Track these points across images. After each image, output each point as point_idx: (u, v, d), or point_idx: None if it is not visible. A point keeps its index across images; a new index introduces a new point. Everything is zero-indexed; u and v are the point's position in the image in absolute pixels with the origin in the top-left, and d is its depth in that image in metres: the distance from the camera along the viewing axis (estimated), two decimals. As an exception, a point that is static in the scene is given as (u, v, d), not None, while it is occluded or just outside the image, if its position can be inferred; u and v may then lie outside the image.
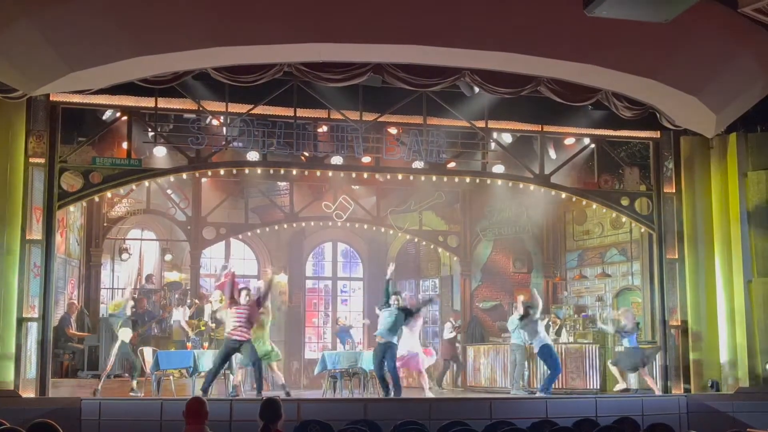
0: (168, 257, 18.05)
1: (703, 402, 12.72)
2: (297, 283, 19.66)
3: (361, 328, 20.26)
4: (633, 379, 14.69)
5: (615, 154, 14.82)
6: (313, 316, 20.30)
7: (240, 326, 11.91)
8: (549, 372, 13.74)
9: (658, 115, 12.85)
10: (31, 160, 11.89)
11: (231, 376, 13.58)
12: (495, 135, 14.24)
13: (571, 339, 16.24)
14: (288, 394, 12.64)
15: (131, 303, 13.75)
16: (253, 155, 13.19)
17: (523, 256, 18.93)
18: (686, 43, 10.70)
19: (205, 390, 11.98)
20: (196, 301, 16.38)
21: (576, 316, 17.14)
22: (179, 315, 15.56)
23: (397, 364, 12.83)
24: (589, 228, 17.98)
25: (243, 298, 12.04)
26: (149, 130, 13.03)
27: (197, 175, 15.60)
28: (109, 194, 15.12)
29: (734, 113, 12.28)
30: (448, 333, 17.13)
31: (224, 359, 12.17)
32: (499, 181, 14.53)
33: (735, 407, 12.46)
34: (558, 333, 16.06)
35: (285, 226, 18.33)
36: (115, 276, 17.95)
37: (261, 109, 12.91)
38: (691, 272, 13.96)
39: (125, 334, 13.20)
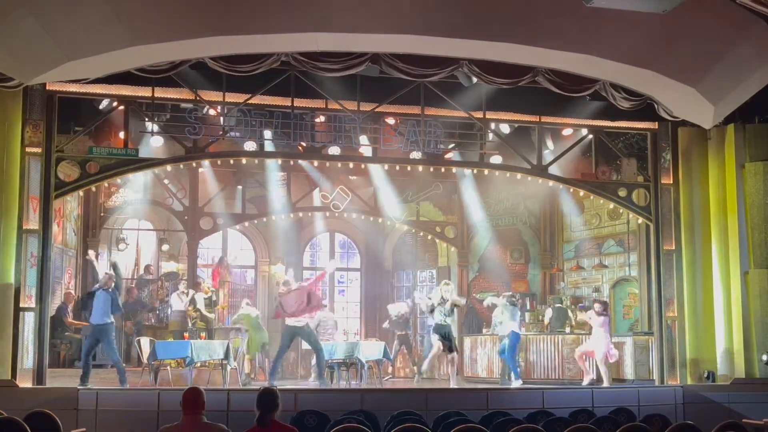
0: (165, 247, 18.05)
1: (698, 393, 12.78)
2: (294, 274, 19.62)
3: (358, 319, 20.31)
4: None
5: (612, 145, 14.82)
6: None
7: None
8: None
9: (655, 106, 12.84)
10: (27, 149, 11.87)
11: (229, 367, 13.65)
12: (493, 125, 14.22)
13: (568, 330, 16.26)
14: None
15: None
16: (250, 145, 13.18)
17: (521, 247, 18.96)
18: (684, 33, 10.68)
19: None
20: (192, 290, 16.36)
21: (573, 306, 17.15)
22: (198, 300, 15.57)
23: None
24: (586, 219, 17.98)
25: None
26: (146, 119, 12.99)
27: (194, 165, 15.60)
28: (105, 184, 15.13)
29: (732, 104, 12.27)
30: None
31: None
32: (497, 172, 14.51)
33: (731, 398, 12.52)
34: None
35: (282, 216, 18.31)
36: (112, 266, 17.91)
37: (258, 99, 12.89)
38: (688, 263, 13.98)
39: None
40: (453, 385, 13.63)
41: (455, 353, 13.70)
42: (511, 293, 14.80)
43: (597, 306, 13.92)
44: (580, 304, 17.26)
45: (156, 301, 16.91)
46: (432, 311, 13.64)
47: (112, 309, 12.04)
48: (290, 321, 13.37)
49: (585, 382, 13.78)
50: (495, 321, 15.42)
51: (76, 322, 14.84)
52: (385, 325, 17.36)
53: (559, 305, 16.73)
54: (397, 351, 16.98)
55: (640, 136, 15.08)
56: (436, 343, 13.40)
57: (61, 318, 14.59)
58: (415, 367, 16.06)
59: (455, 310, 13.81)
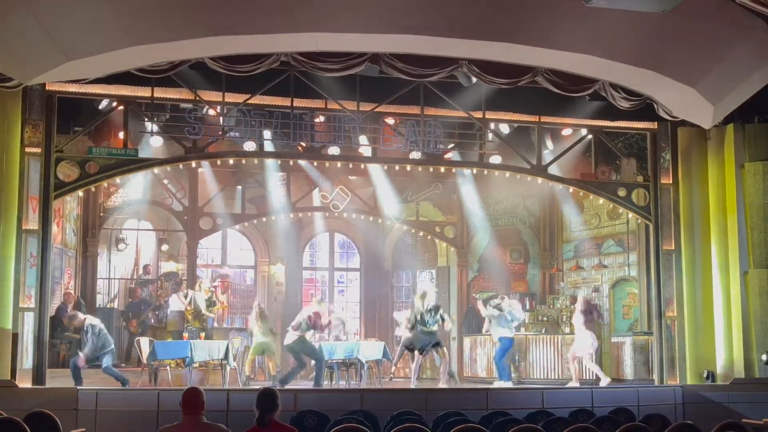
0: (165, 247, 18.06)
1: (698, 393, 12.77)
2: (293, 274, 19.67)
3: (358, 319, 20.32)
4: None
5: (612, 144, 14.81)
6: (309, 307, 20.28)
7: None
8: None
9: (655, 106, 12.83)
10: (27, 149, 11.86)
11: (228, 367, 13.66)
12: (492, 125, 14.22)
13: (567, 330, 16.28)
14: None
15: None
16: (249, 145, 13.17)
17: (520, 247, 18.96)
18: (683, 33, 10.67)
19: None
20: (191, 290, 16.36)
21: (572, 306, 17.13)
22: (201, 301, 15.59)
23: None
24: (585, 219, 17.98)
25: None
26: (145, 119, 12.99)
27: (194, 165, 15.60)
28: (105, 184, 15.13)
29: (731, 104, 12.26)
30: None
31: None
32: (497, 172, 14.50)
33: (730, 398, 12.51)
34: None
35: (282, 216, 18.31)
36: (111, 266, 17.94)
37: (258, 99, 12.88)
38: (688, 263, 13.97)
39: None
40: (442, 383, 13.72)
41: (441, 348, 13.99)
42: (497, 301, 14.82)
43: (580, 305, 14.09)
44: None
45: (160, 300, 16.91)
46: (413, 328, 13.81)
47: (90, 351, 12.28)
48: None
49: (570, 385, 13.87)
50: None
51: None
52: (398, 332, 17.49)
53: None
54: (402, 353, 17.01)
55: (640, 136, 15.08)
56: (416, 356, 13.90)
57: (60, 318, 14.57)
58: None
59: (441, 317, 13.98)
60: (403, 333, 14.70)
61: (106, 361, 12.29)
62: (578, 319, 14.08)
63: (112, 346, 12.58)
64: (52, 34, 10.00)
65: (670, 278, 14.00)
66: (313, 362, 13.81)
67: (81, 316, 12.81)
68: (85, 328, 12.34)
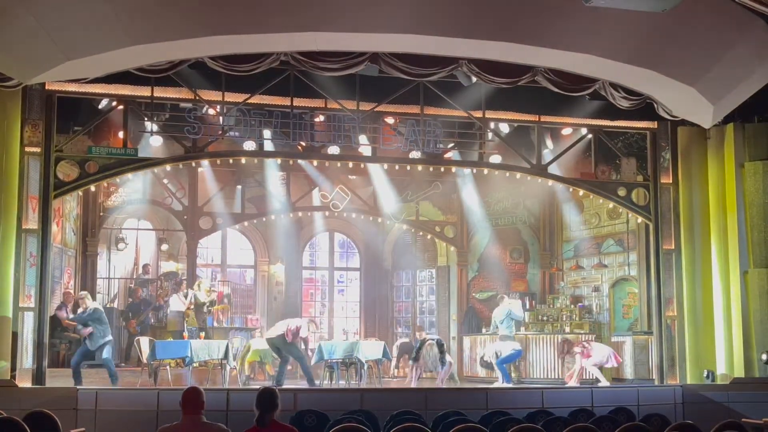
0: (164, 247, 18.05)
1: (698, 392, 12.77)
2: (293, 274, 19.67)
3: (357, 318, 20.31)
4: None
5: (612, 144, 14.80)
6: (309, 307, 20.33)
7: None
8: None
9: (655, 106, 12.83)
10: (26, 149, 11.85)
11: (228, 367, 13.66)
12: (492, 125, 14.21)
13: (567, 329, 16.28)
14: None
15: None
16: (249, 145, 13.17)
17: (520, 247, 18.96)
18: (683, 33, 10.67)
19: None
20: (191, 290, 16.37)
21: (572, 306, 17.17)
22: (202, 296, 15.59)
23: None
24: (585, 218, 17.98)
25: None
26: (145, 119, 12.98)
27: (193, 164, 15.60)
28: (105, 183, 15.12)
29: (731, 104, 12.26)
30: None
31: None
32: (496, 172, 14.50)
33: (730, 397, 12.51)
34: None
35: (282, 215, 18.31)
36: (111, 266, 17.94)
37: (257, 99, 12.87)
38: (688, 263, 13.97)
39: None
40: (438, 382, 14.08)
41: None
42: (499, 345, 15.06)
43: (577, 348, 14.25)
44: (580, 304, 17.28)
45: (160, 299, 16.92)
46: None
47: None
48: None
49: (569, 383, 13.90)
50: (495, 321, 15.46)
51: (74, 322, 14.82)
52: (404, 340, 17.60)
53: None
54: (399, 357, 17.07)
55: (640, 136, 15.07)
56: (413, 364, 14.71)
57: (60, 318, 14.56)
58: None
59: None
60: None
61: (107, 352, 12.30)
62: (579, 359, 14.16)
63: (110, 336, 12.54)
64: (52, 34, 9.99)
65: (670, 278, 13.99)
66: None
67: (91, 299, 12.88)
68: (89, 309, 12.34)
